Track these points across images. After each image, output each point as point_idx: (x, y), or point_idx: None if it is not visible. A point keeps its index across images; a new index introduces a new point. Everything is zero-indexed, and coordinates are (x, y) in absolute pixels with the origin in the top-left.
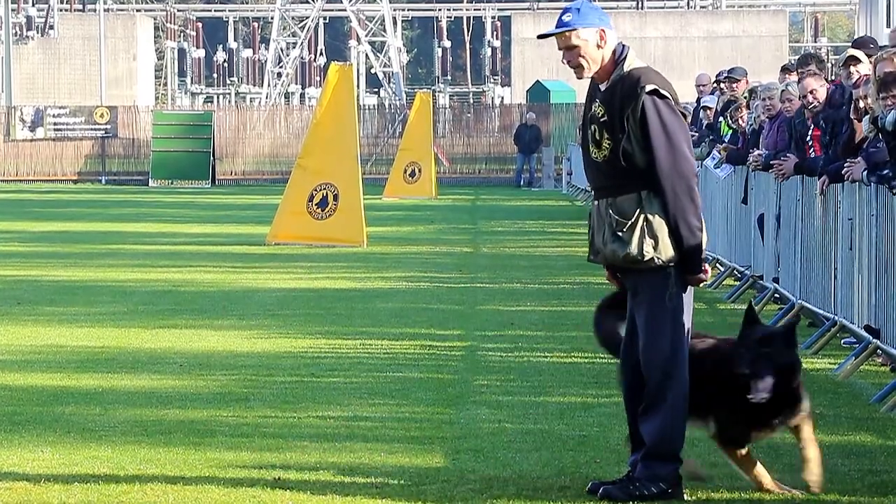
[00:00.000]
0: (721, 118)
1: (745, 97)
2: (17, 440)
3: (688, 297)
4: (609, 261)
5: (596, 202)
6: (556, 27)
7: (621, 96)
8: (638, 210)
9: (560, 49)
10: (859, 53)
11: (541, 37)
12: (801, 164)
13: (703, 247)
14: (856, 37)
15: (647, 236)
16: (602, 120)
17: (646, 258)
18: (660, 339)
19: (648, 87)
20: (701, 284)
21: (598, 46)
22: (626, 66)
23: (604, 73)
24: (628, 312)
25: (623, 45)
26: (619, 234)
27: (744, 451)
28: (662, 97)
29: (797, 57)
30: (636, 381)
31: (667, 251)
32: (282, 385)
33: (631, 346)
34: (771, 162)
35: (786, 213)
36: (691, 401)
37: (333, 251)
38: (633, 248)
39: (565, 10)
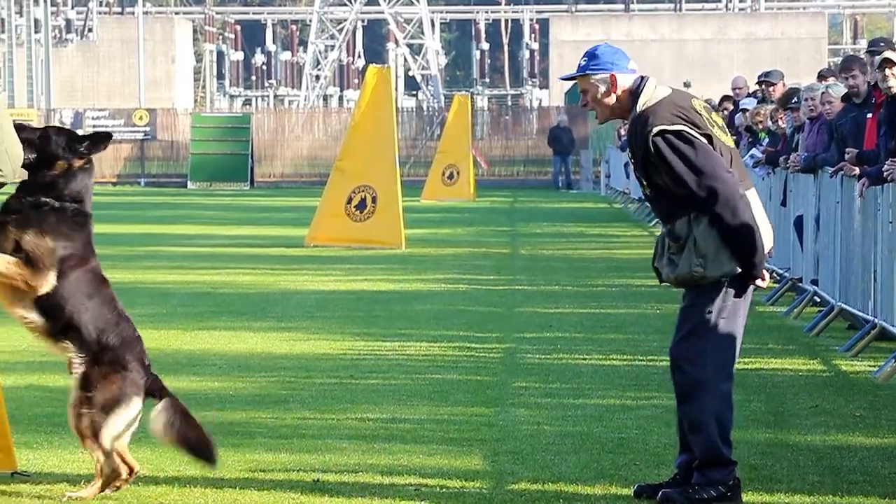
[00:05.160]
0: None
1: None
2: (56, 441)
3: (743, 307)
4: (669, 282)
5: (662, 228)
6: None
7: (636, 140)
8: (688, 232)
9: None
10: (894, 56)
11: (563, 78)
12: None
13: (760, 252)
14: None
15: (695, 256)
16: (633, 161)
17: (695, 276)
18: (692, 348)
19: (654, 130)
20: (757, 288)
21: (609, 92)
22: (640, 106)
23: (625, 112)
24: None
25: (641, 79)
26: (672, 256)
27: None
28: (672, 134)
29: (837, 59)
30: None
31: (718, 267)
32: (320, 387)
33: None
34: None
35: (825, 216)
36: None
37: (372, 253)
38: (683, 269)
39: (585, 54)
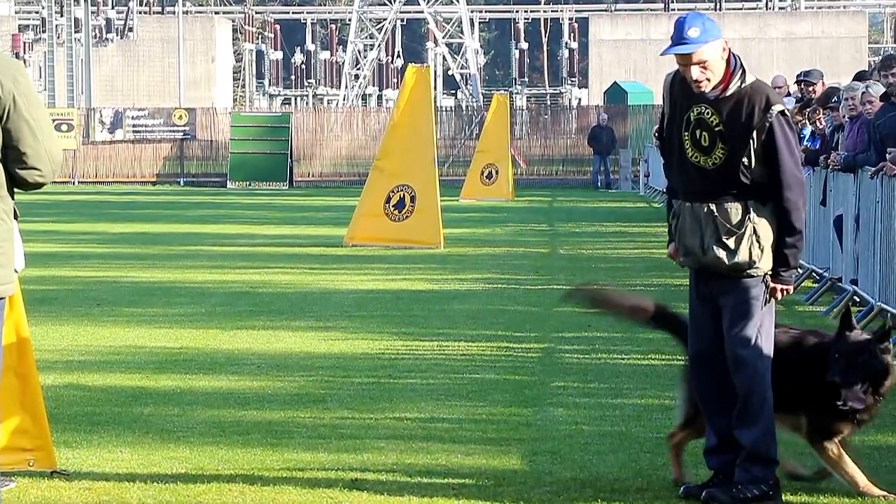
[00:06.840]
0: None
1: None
2: (96, 440)
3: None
4: (706, 265)
5: (689, 204)
6: (685, 42)
7: (748, 111)
8: (746, 219)
9: (684, 64)
10: None
11: (664, 53)
12: None
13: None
14: None
15: (755, 246)
16: (717, 129)
17: (753, 266)
18: (753, 343)
19: (778, 108)
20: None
21: (721, 59)
22: (749, 78)
23: (719, 82)
24: (694, 314)
25: (733, 55)
26: (726, 240)
27: (836, 450)
28: (785, 116)
29: (878, 59)
30: (711, 382)
31: (768, 260)
32: (359, 386)
33: (703, 347)
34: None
35: (865, 215)
36: (780, 396)
37: (410, 253)
38: (742, 257)
39: (687, 24)
